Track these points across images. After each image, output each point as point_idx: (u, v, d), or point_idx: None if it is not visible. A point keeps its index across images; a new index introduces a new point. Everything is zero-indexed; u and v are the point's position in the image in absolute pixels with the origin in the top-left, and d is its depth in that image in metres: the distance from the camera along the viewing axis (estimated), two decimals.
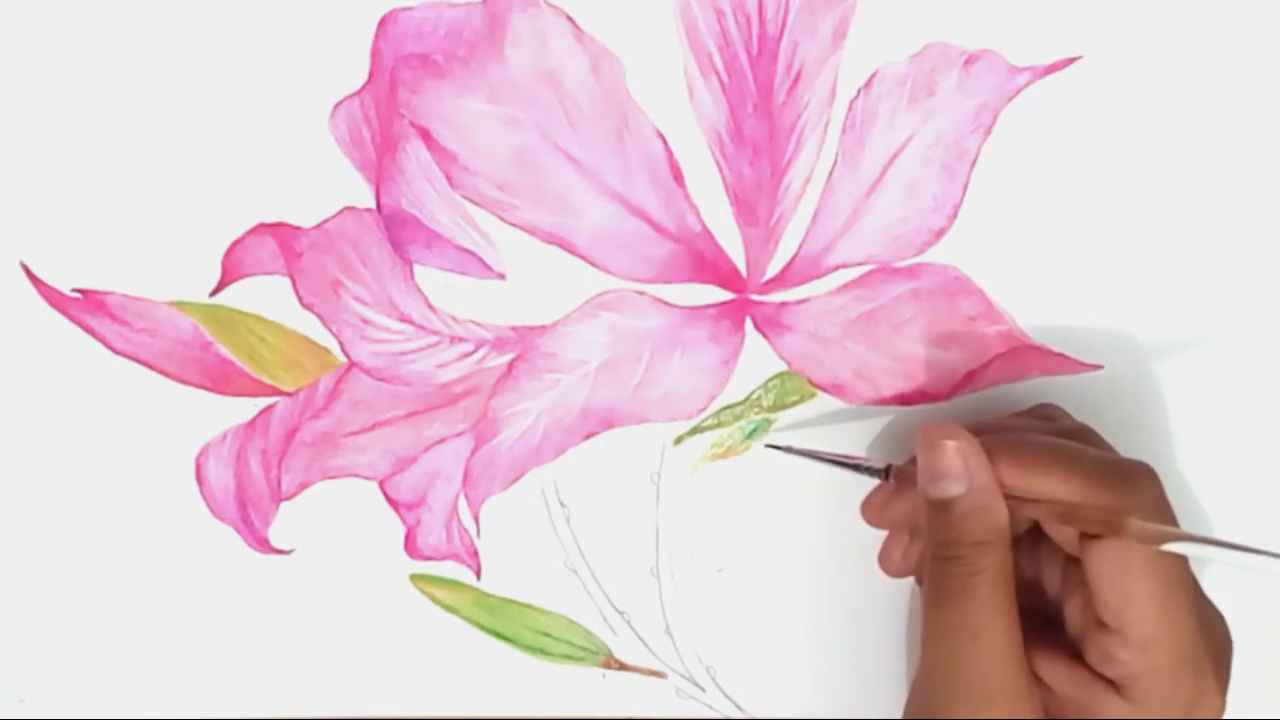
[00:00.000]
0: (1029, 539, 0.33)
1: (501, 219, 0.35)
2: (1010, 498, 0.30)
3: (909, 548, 0.35)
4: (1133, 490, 0.29)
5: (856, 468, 0.34)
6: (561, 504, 0.37)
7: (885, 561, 0.35)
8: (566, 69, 0.34)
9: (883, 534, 0.35)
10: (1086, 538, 0.29)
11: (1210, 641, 0.29)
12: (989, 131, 0.34)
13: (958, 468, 0.30)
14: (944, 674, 0.30)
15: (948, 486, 0.31)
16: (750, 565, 0.38)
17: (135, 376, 0.36)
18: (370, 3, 0.33)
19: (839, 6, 0.34)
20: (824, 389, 0.36)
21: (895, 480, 0.33)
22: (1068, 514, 0.30)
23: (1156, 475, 0.30)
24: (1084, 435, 0.33)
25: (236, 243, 0.35)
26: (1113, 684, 0.30)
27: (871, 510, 0.35)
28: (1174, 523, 0.30)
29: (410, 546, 0.37)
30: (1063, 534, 0.31)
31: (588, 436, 0.37)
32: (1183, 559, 0.29)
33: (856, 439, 0.37)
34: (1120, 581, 0.29)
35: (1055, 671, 0.31)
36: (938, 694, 0.31)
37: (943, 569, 0.31)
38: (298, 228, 0.35)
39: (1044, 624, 0.32)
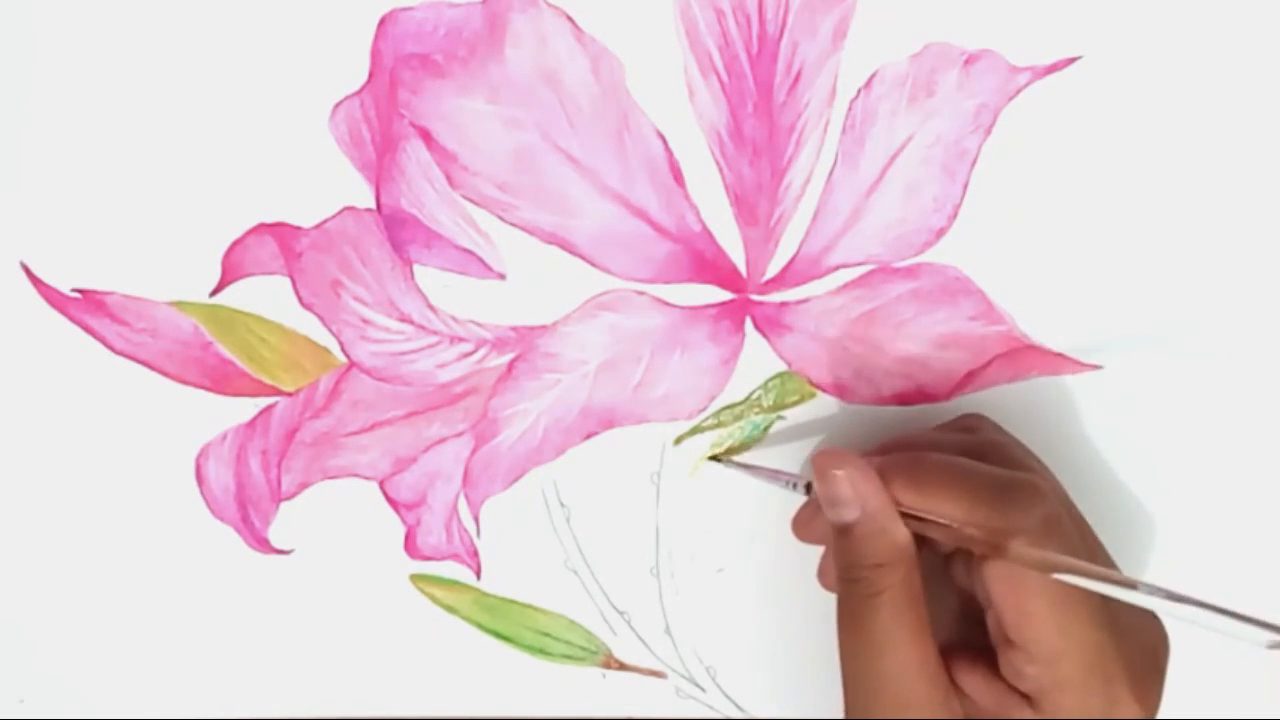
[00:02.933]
0: (964, 552, 0.33)
1: (501, 219, 0.35)
2: (910, 517, 0.31)
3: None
4: (1018, 509, 0.30)
5: (786, 484, 0.34)
6: (561, 504, 0.37)
7: (823, 576, 0.35)
8: (566, 69, 0.34)
9: None
10: (980, 558, 0.30)
11: (1125, 650, 0.30)
12: (989, 131, 0.34)
13: (848, 494, 0.31)
14: (859, 693, 0.31)
15: (843, 512, 0.31)
16: (750, 565, 0.38)
17: (135, 376, 0.36)
18: (370, 3, 0.33)
19: (839, 6, 0.34)
20: (824, 389, 0.36)
21: (808, 493, 0.34)
22: (957, 535, 0.30)
23: (1045, 492, 0.31)
24: (997, 451, 0.33)
25: (236, 243, 0.35)
26: (1026, 696, 0.30)
27: (800, 525, 0.35)
28: (1063, 539, 0.30)
29: (410, 546, 0.37)
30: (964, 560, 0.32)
31: (588, 436, 0.37)
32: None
33: (856, 439, 0.37)
34: (1015, 599, 0.29)
35: (974, 684, 0.31)
36: (856, 708, 0.31)
37: (847, 591, 0.31)
38: (298, 228, 0.35)
39: (977, 636, 0.32)
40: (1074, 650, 0.29)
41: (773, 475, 0.35)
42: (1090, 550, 0.31)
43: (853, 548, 0.31)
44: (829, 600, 0.37)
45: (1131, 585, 0.27)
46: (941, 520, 0.30)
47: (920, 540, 0.31)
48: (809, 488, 0.33)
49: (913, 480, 0.31)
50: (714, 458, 0.37)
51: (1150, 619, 0.32)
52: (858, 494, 0.31)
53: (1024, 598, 0.29)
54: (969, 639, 0.32)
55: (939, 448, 0.33)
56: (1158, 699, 0.31)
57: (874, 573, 0.31)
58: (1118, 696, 0.29)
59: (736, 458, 0.37)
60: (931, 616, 0.31)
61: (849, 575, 0.31)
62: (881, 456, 0.32)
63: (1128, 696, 0.29)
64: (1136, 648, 0.30)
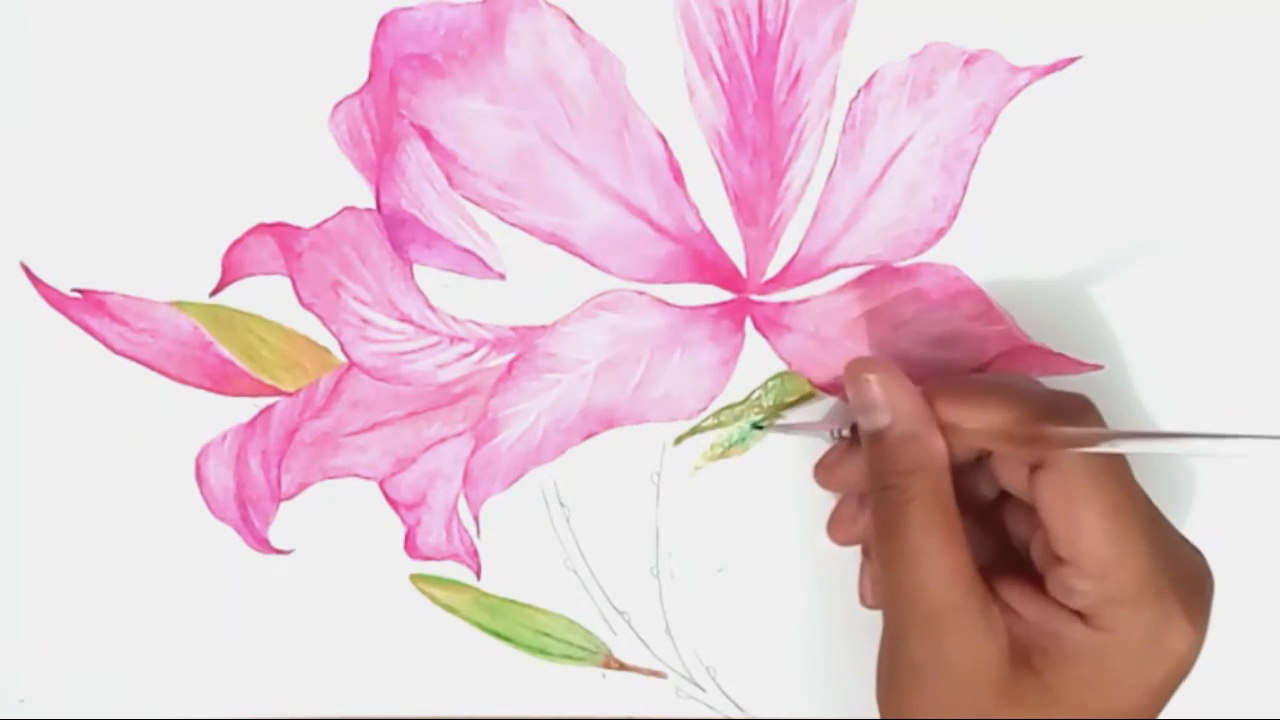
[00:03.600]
0: (1002, 495, 0.34)
1: (501, 219, 0.35)
2: (951, 430, 0.31)
3: (857, 513, 0.35)
4: (1066, 415, 0.30)
5: (829, 434, 0.34)
6: (561, 504, 0.37)
7: (834, 526, 0.35)
8: (566, 69, 0.34)
9: None
10: (1033, 471, 0.30)
11: (1174, 569, 0.30)
12: (989, 131, 0.34)
13: (880, 399, 0.31)
14: (892, 603, 0.31)
15: (875, 417, 0.31)
16: (750, 565, 0.38)
17: (135, 376, 0.36)
18: (370, 3, 0.33)
19: (839, 6, 0.34)
20: (824, 389, 0.36)
21: (852, 437, 0.33)
22: (1002, 438, 0.30)
23: (1093, 405, 0.31)
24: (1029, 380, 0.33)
25: (236, 243, 0.35)
26: (1078, 613, 0.30)
27: (823, 470, 0.35)
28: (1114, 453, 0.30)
29: (410, 546, 0.37)
30: (1014, 477, 0.32)
31: (588, 436, 0.37)
32: (1131, 487, 0.30)
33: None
34: (1067, 511, 0.29)
35: (1022, 601, 0.31)
36: (891, 623, 0.31)
37: (879, 500, 0.31)
38: (298, 228, 0.35)
39: (1017, 566, 0.32)
40: (1126, 562, 0.29)
41: (812, 427, 0.35)
42: (1139, 484, 0.31)
43: (885, 454, 0.31)
44: (829, 600, 0.37)
45: (1185, 436, 0.27)
46: (989, 429, 0.30)
47: (961, 485, 0.31)
48: (854, 431, 0.33)
49: (958, 395, 0.31)
50: (756, 425, 0.36)
51: (1192, 548, 0.32)
52: (889, 398, 0.31)
53: (1075, 508, 0.29)
54: (1013, 569, 0.32)
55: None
56: (1205, 627, 0.30)
57: (906, 479, 0.31)
58: (1170, 612, 0.29)
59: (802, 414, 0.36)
60: (975, 549, 0.31)
61: (881, 483, 0.31)
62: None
63: (1180, 613, 0.29)
64: (1183, 569, 0.30)
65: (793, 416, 0.37)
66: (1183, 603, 0.29)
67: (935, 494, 0.31)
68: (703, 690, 0.39)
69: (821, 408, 0.37)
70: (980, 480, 0.33)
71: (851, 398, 0.32)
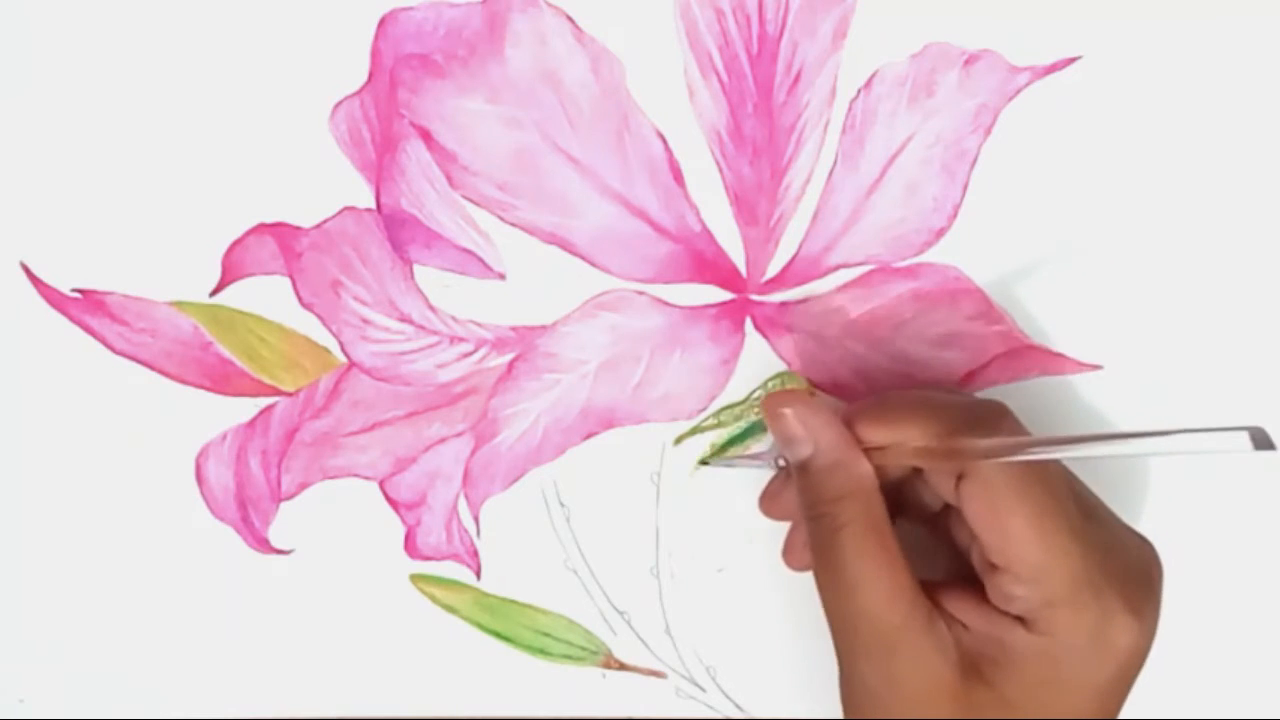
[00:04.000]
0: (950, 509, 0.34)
1: (501, 219, 0.35)
2: (876, 451, 0.31)
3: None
4: (985, 425, 0.30)
5: (765, 463, 0.35)
6: (561, 504, 0.37)
7: (788, 554, 0.35)
8: (566, 69, 0.34)
9: None
10: (958, 483, 0.30)
11: (1112, 563, 0.30)
12: (989, 131, 0.34)
13: (798, 430, 0.31)
14: (841, 631, 0.31)
15: (797, 449, 0.32)
16: (750, 565, 0.38)
17: (135, 376, 0.36)
18: (370, 3, 0.33)
19: (839, 6, 0.34)
20: (824, 389, 0.36)
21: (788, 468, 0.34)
22: (922, 455, 0.30)
23: (1010, 411, 0.31)
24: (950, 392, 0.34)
25: (236, 243, 0.35)
26: (1020, 619, 0.30)
27: (767, 500, 0.35)
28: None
29: (410, 546, 0.37)
30: (945, 487, 0.32)
31: (588, 436, 0.37)
32: (1056, 487, 0.30)
33: None
34: (993, 518, 0.29)
35: (966, 611, 0.31)
36: (843, 651, 0.31)
37: (812, 529, 0.31)
38: (298, 228, 0.35)
39: (968, 574, 0.32)
40: (1058, 564, 0.29)
41: (751, 460, 0.35)
42: (1064, 475, 0.31)
43: (811, 484, 0.31)
44: None
45: (1100, 439, 0.27)
46: (908, 446, 0.30)
47: (906, 502, 0.32)
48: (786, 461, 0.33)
49: (876, 415, 0.31)
50: (703, 461, 0.37)
51: (1137, 539, 0.32)
52: (809, 429, 0.31)
53: (1002, 517, 0.29)
54: (964, 578, 0.32)
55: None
56: (1154, 618, 0.30)
57: (834, 506, 0.31)
58: (1110, 609, 0.29)
59: (733, 454, 0.37)
60: (925, 568, 0.31)
61: (812, 513, 0.31)
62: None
63: (1121, 609, 0.29)
64: (1124, 563, 0.30)
65: (739, 450, 0.37)
66: (1124, 598, 0.29)
67: (866, 518, 0.31)
68: (703, 690, 0.39)
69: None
70: (925, 490, 0.33)
71: (772, 433, 0.32)
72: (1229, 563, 0.37)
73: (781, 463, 0.34)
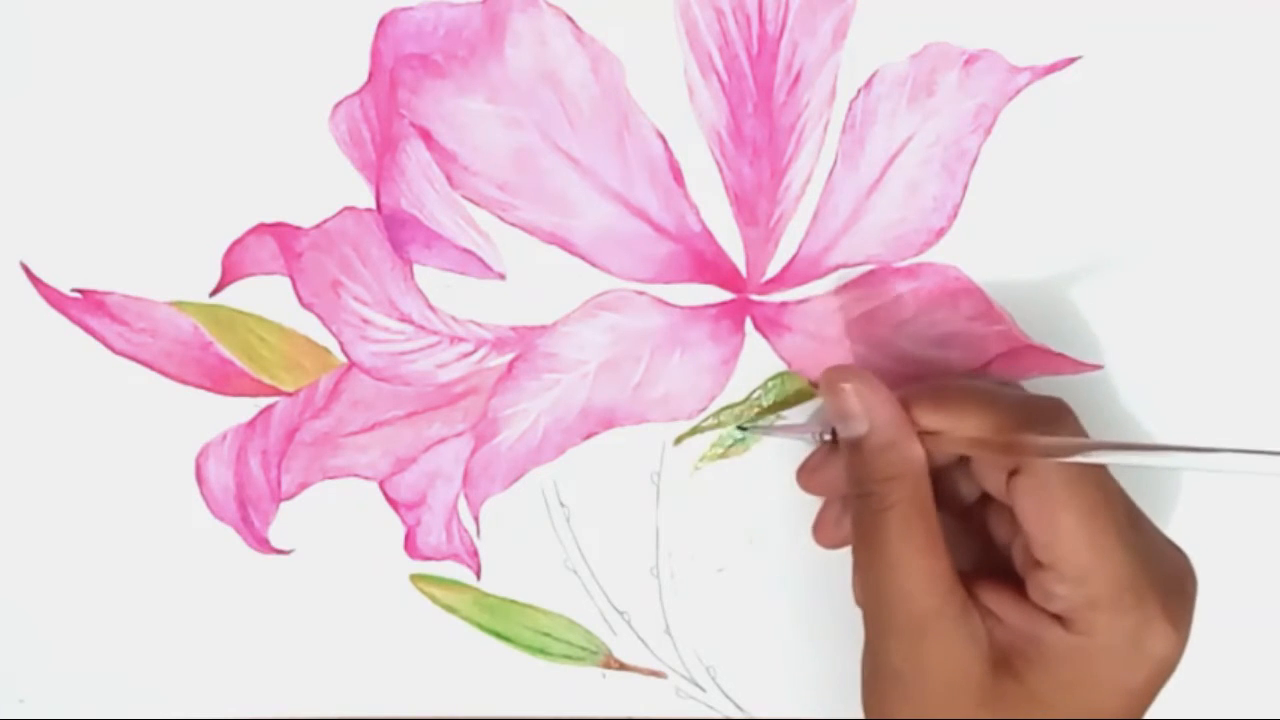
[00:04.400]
0: (984, 496, 0.34)
1: (501, 219, 0.35)
2: (930, 436, 0.31)
3: (841, 516, 0.35)
4: (1044, 421, 0.30)
5: (810, 436, 0.35)
6: (561, 504, 0.37)
7: (819, 530, 0.35)
8: (566, 69, 0.34)
9: None
10: (1011, 476, 0.30)
11: (1154, 571, 0.30)
12: (989, 131, 0.34)
13: (856, 407, 0.31)
14: (874, 611, 0.31)
15: (853, 426, 0.32)
16: (750, 565, 0.38)
17: (135, 376, 0.36)
18: (370, 3, 0.33)
19: (839, 6, 0.34)
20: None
21: (834, 441, 0.34)
22: (979, 446, 0.30)
23: (1070, 409, 0.31)
24: (1008, 385, 0.34)
25: (236, 243, 0.35)
26: (1058, 617, 0.30)
27: (805, 473, 0.35)
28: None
29: (410, 546, 0.37)
30: (993, 481, 0.32)
31: (588, 436, 0.37)
32: (1109, 490, 0.30)
33: None
34: (1045, 515, 0.29)
35: (1003, 605, 0.31)
36: (871, 629, 0.31)
37: (858, 506, 0.31)
38: (298, 228, 0.35)
39: (1000, 573, 0.32)
40: (1104, 566, 0.29)
41: (793, 431, 0.35)
42: (1115, 480, 0.31)
43: (863, 462, 0.31)
44: (829, 600, 0.37)
45: (1161, 449, 0.27)
46: (965, 435, 0.30)
47: (940, 492, 0.31)
48: (835, 435, 0.33)
49: (936, 401, 0.31)
50: (742, 427, 0.36)
51: (1175, 550, 0.32)
52: (866, 406, 0.31)
53: (1053, 513, 0.29)
54: (995, 571, 0.32)
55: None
56: (1188, 629, 0.30)
57: (884, 486, 0.31)
58: (1150, 615, 0.29)
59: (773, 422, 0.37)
60: (956, 554, 0.31)
61: (860, 490, 0.31)
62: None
63: (1160, 616, 0.29)
64: (1164, 572, 0.30)
65: (783, 419, 0.37)
66: (1163, 605, 0.29)
67: (914, 501, 0.31)
68: (703, 690, 0.39)
69: (807, 408, 0.37)
70: (963, 481, 0.34)
71: (828, 406, 0.32)
72: (1257, 575, 0.37)
73: (827, 437, 0.34)
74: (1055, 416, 0.31)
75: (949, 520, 0.33)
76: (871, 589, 0.31)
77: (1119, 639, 0.29)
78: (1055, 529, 0.29)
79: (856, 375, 0.32)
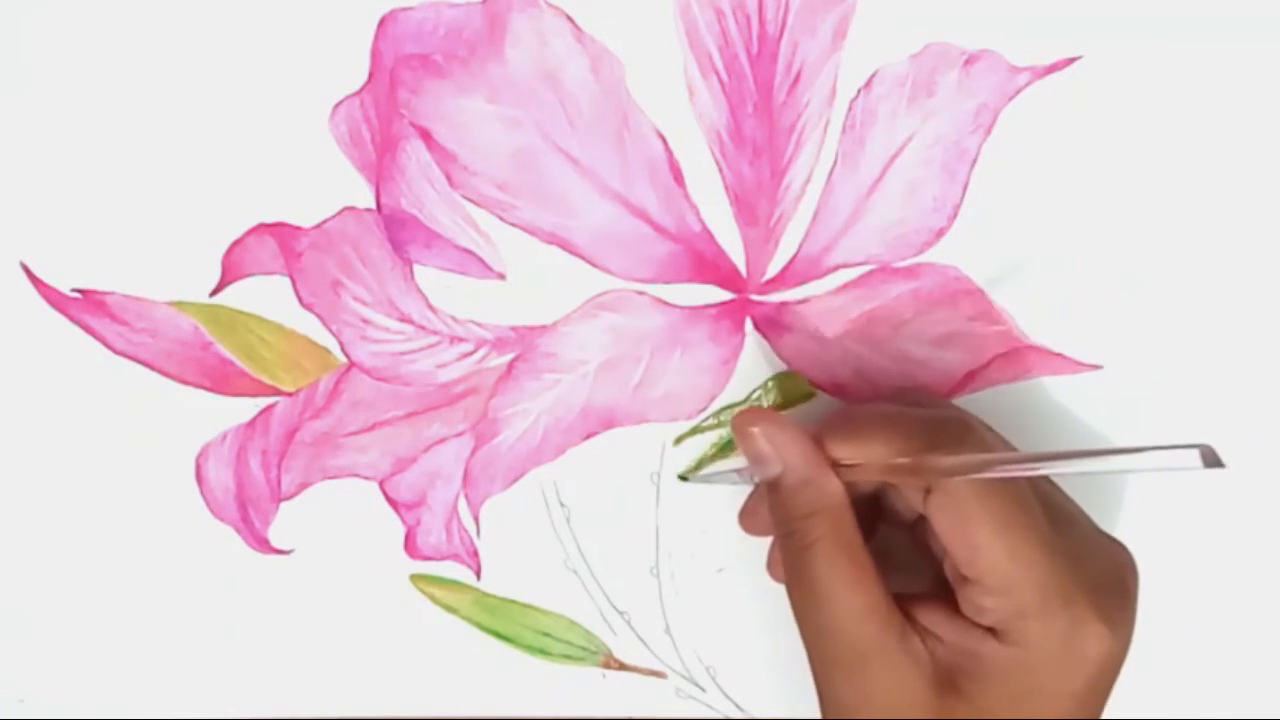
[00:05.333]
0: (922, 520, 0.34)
1: (501, 219, 0.35)
2: (845, 468, 0.31)
3: None
4: (949, 442, 0.30)
5: (743, 479, 0.34)
6: (561, 504, 0.37)
7: (771, 567, 0.35)
8: (566, 69, 0.34)
9: None
10: (926, 496, 0.30)
11: (1083, 572, 0.30)
12: (989, 131, 0.34)
13: (766, 449, 0.32)
14: (814, 647, 0.31)
15: (766, 468, 0.32)
16: (750, 565, 0.38)
17: (135, 376, 0.36)
18: (370, 3, 0.33)
19: (839, 6, 0.34)
20: (824, 389, 0.36)
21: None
22: (889, 472, 0.30)
23: (975, 422, 0.31)
24: (919, 402, 0.34)
25: (236, 243, 0.35)
26: (991, 630, 0.30)
27: (746, 517, 0.35)
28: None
29: (410, 546, 0.37)
30: (915, 500, 0.32)
31: (588, 436, 0.37)
32: (1023, 497, 0.30)
33: None
34: (961, 531, 0.29)
35: (940, 624, 0.31)
36: (816, 666, 0.31)
37: (784, 546, 0.32)
38: (298, 228, 0.35)
39: (938, 586, 0.32)
40: (1027, 574, 0.29)
41: (730, 476, 0.35)
42: (1032, 483, 0.31)
43: (781, 502, 0.31)
44: None
45: (1060, 457, 0.28)
46: (875, 462, 0.31)
47: (882, 511, 0.32)
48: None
49: (844, 432, 0.31)
50: (682, 477, 0.37)
51: (1111, 544, 0.32)
52: (776, 447, 0.31)
53: (970, 529, 0.29)
54: (938, 592, 0.32)
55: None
56: (1128, 624, 0.30)
57: (805, 524, 0.31)
58: (1081, 616, 0.29)
59: (718, 464, 0.37)
60: (904, 579, 0.31)
61: (783, 530, 0.31)
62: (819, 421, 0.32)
63: (1093, 617, 0.29)
64: (1096, 570, 0.30)
65: (717, 466, 0.37)
66: (1096, 606, 0.29)
67: (836, 534, 0.31)
68: (703, 690, 0.39)
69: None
70: (899, 501, 0.33)
71: (742, 451, 0.32)
72: (1205, 564, 0.37)
73: (757, 479, 0.34)
74: (961, 433, 0.30)
75: (899, 538, 0.33)
76: (808, 625, 0.31)
77: (1053, 645, 0.29)
78: (973, 543, 0.29)
79: (763, 418, 0.32)
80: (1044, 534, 0.29)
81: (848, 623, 0.30)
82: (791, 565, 0.31)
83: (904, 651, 0.30)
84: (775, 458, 0.32)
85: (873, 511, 0.33)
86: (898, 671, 0.30)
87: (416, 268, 0.35)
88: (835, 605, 0.30)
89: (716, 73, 0.34)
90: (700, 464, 0.37)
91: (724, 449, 0.37)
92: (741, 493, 0.37)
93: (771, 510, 0.32)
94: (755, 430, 0.32)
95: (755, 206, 0.35)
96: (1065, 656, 0.29)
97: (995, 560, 0.29)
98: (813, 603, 0.31)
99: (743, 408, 0.34)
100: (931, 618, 0.31)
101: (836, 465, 0.31)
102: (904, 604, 0.31)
